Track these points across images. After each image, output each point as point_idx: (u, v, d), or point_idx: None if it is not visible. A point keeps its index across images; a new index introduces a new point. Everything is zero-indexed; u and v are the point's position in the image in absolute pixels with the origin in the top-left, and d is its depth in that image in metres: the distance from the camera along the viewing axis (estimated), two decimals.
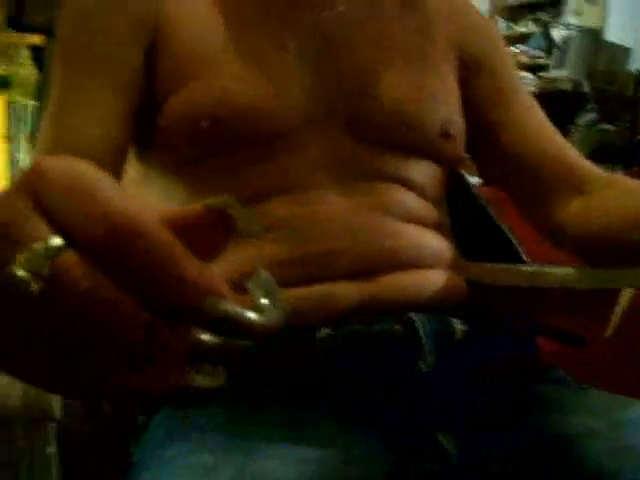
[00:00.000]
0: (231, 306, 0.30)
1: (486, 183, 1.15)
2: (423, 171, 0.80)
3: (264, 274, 0.34)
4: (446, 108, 0.81)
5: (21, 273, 0.29)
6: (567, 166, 0.86)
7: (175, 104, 0.75)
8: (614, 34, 4.48)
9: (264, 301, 0.32)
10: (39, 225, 0.30)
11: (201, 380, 0.32)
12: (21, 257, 0.30)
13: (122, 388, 0.30)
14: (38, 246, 0.30)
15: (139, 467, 0.66)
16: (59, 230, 0.30)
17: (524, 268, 0.91)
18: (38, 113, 2.05)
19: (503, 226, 1.11)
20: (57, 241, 0.30)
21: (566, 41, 4.44)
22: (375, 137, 0.77)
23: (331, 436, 0.63)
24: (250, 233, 0.36)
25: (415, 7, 0.85)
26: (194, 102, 0.74)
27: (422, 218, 0.79)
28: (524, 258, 1.07)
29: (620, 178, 0.89)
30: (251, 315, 0.31)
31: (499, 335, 0.75)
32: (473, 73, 0.86)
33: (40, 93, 1.80)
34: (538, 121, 0.88)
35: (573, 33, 4.40)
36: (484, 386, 0.69)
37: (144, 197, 0.82)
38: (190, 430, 0.64)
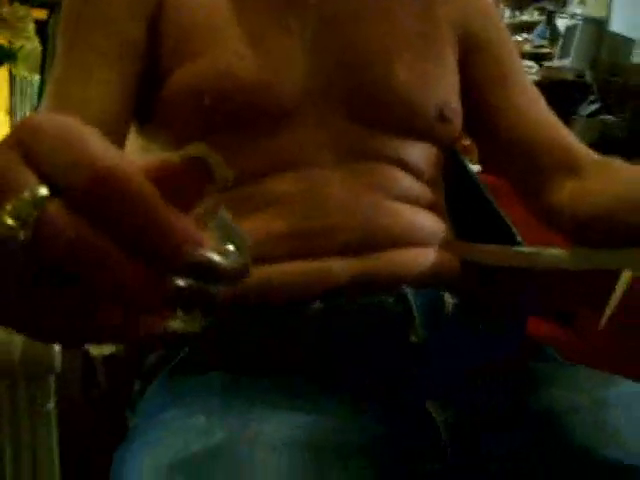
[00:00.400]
0: (207, 252, 0.31)
1: (485, 170, 1.16)
2: (419, 153, 0.81)
3: (225, 216, 0.35)
4: (444, 91, 0.82)
5: (9, 221, 0.30)
6: (563, 149, 0.87)
7: (178, 78, 0.76)
8: (618, 25, 4.47)
9: (230, 247, 0.33)
10: (27, 175, 0.31)
11: (179, 325, 0.33)
12: (9, 206, 0.30)
13: (111, 332, 0.31)
14: (25, 195, 0.31)
15: (135, 431, 0.68)
16: (46, 179, 0.31)
17: (518, 249, 0.93)
18: (41, 87, 2.05)
19: (499, 209, 1.12)
20: (43, 190, 0.31)
21: (570, 30, 4.43)
22: (372, 117, 0.78)
23: (325, 405, 0.65)
24: (223, 181, 0.36)
25: None
26: (198, 76, 0.75)
27: (417, 198, 0.80)
28: (519, 241, 1.08)
29: (615, 162, 0.90)
30: (217, 259, 0.32)
31: (488, 313, 0.76)
32: (472, 54, 0.87)
33: (43, 67, 1.79)
34: (535, 103, 0.89)
35: (577, 23, 4.39)
36: (472, 360, 0.71)
37: None
38: (186, 395, 0.66)
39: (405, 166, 0.79)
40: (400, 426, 0.65)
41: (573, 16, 4.48)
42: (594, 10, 4.48)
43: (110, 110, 0.76)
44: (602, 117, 4.24)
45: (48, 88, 0.78)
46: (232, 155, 0.76)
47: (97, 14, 0.78)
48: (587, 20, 4.39)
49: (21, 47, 1.81)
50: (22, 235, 0.30)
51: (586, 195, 0.82)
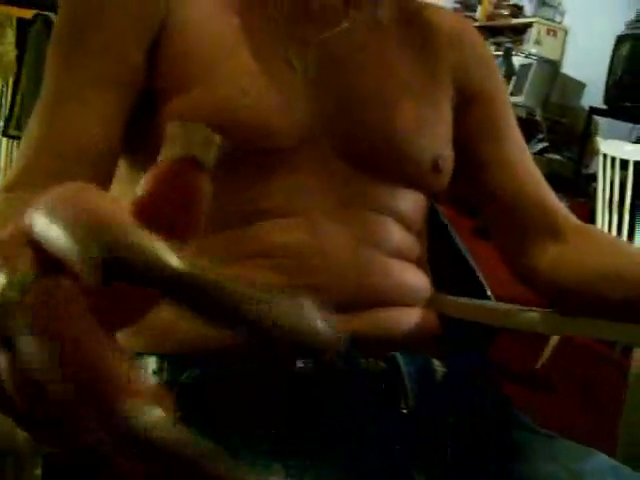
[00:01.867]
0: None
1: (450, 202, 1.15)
2: (411, 202, 0.80)
3: None
4: (439, 141, 0.81)
5: None
6: (547, 211, 0.87)
7: (174, 106, 0.73)
8: (570, 68, 4.60)
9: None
10: (21, 253, 0.29)
11: None
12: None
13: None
14: (12, 277, 0.28)
15: None
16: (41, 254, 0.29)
17: (500, 307, 0.93)
18: (3, 94, 1.96)
19: (470, 259, 1.13)
20: (27, 271, 0.29)
21: (524, 69, 4.54)
22: (368, 166, 0.77)
23: (312, 470, 0.63)
24: (216, 153, 0.34)
25: (418, 30, 0.85)
26: (195, 107, 0.72)
27: (407, 253, 0.79)
28: (489, 295, 1.08)
29: (592, 230, 0.91)
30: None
31: (472, 376, 0.75)
32: (468, 103, 0.87)
33: (19, 71, 1.73)
34: (526, 161, 0.89)
35: (532, 62, 4.49)
36: (459, 429, 0.70)
37: (130, 196, 0.79)
38: None
39: (397, 216, 0.78)
40: None
41: (528, 55, 4.59)
42: (549, 51, 4.60)
43: (102, 135, 0.72)
44: (549, 156, 4.36)
45: (38, 107, 0.74)
46: (223, 195, 0.73)
47: (97, 34, 0.75)
48: (541, 60, 4.51)
49: None
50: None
51: (566, 263, 0.83)
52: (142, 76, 0.74)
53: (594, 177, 4.01)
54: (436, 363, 0.71)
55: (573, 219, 0.88)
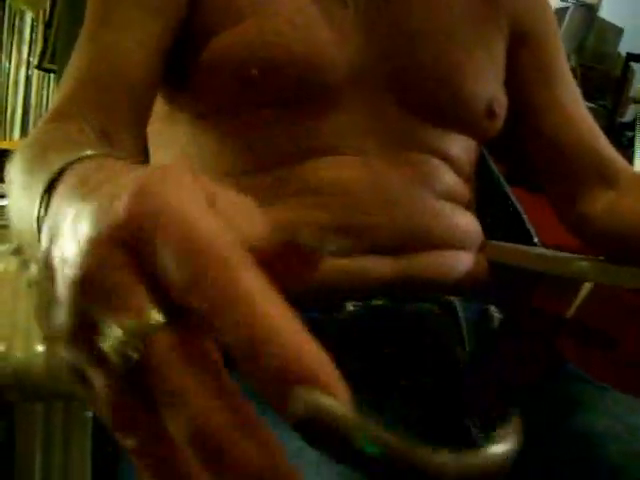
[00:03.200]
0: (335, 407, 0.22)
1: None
2: (461, 147, 0.78)
3: None
4: (494, 83, 0.78)
5: (109, 351, 0.24)
6: (602, 158, 0.84)
7: (221, 42, 0.70)
8: (609, 12, 4.46)
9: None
10: (137, 291, 0.25)
11: None
12: (110, 332, 0.24)
13: None
14: (130, 323, 0.24)
15: None
16: (160, 295, 0.25)
17: (547, 253, 0.90)
18: (37, 26, 1.93)
19: (518, 206, 1.10)
20: (156, 316, 0.24)
21: (560, 12, 4.40)
22: (420, 106, 0.74)
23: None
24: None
25: None
26: (244, 43, 0.69)
27: (457, 195, 0.77)
28: (536, 242, 1.06)
29: None
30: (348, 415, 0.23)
31: (526, 323, 0.73)
32: (520, 44, 0.83)
33: (52, 4, 1.68)
34: (578, 106, 0.86)
35: (569, 5, 4.36)
36: (511, 376, 0.68)
37: (171, 138, 0.77)
38: None
39: (448, 160, 0.75)
40: (438, 441, 0.62)
41: None
42: None
43: (145, 64, 0.70)
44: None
45: (82, 34, 0.72)
46: (272, 133, 0.71)
47: None
48: (578, 4, 4.37)
49: None
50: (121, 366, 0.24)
51: (621, 211, 0.80)
52: (186, 10, 0.71)
53: (628, 126, 3.92)
54: (492, 309, 0.69)
55: (628, 167, 0.85)
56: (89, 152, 0.41)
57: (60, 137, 0.60)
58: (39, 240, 0.36)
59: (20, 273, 0.43)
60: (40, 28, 1.86)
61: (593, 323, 0.86)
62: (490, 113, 0.77)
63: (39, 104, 2.08)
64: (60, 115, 0.66)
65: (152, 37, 0.70)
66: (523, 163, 0.89)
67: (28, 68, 2.02)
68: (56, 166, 0.39)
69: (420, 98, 0.74)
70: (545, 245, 1.08)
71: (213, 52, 0.70)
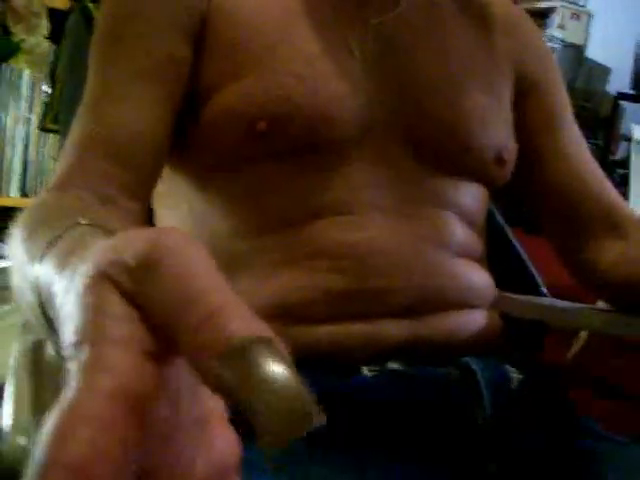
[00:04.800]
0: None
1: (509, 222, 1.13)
2: (473, 195, 0.78)
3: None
4: (503, 133, 0.78)
5: None
6: (607, 206, 0.84)
7: (225, 99, 0.69)
8: (596, 52, 4.52)
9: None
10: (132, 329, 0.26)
11: None
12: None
13: None
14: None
15: None
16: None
17: (563, 306, 0.89)
18: (35, 84, 1.94)
19: (524, 256, 1.09)
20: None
21: None
22: (430, 156, 0.74)
23: (380, 477, 0.60)
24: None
25: (474, 15, 0.82)
26: (248, 98, 0.69)
27: (471, 250, 0.76)
28: (544, 292, 1.05)
29: None
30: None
31: (544, 381, 0.72)
32: (525, 94, 0.84)
33: (54, 65, 1.70)
34: (583, 153, 0.86)
35: (556, 47, 4.42)
36: (533, 439, 0.67)
37: (176, 199, 0.77)
38: None
39: (460, 212, 0.75)
40: None
41: (552, 40, 4.51)
42: (573, 35, 4.52)
43: (148, 132, 0.70)
44: None
45: (83, 103, 0.71)
46: (282, 190, 0.71)
47: (138, 29, 0.72)
48: (565, 45, 4.43)
49: (22, 39, 1.70)
50: None
51: (629, 261, 0.80)
52: (188, 70, 0.71)
53: (620, 164, 3.95)
54: (511, 370, 0.68)
55: (635, 215, 0.85)
56: (82, 221, 0.41)
57: (59, 207, 0.60)
58: (41, 313, 0.37)
59: (38, 358, 0.42)
60: (39, 86, 1.88)
61: (596, 370, 0.85)
62: (499, 161, 0.77)
63: (37, 161, 2.09)
64: (63, 184, 0.66)
65: (153, 104, 0.70)
66: (522, 205, 0.89)
67: (27, 126, 2.03)
68: (49, 237, 0.40)
69: (431, 148, 0.74)
70: (547, 288, 1.08)
71: (218, 108, 0.69)
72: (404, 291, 0.68)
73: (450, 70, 0.77)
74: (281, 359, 0.25)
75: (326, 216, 0.69)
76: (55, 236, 0.40)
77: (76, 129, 0.70)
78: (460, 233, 0.75)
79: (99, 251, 0.28)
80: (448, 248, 0.72)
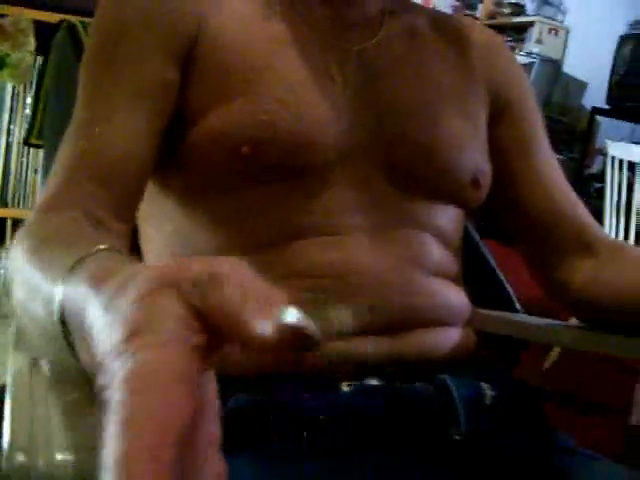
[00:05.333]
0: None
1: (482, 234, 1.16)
2: (450, 218, 0.80)
3: None
4: (478, 156, 0.80)
5: None
6: (579, 227, 0.86)
7: (211, 122, 0.71)
8: (572, 67, 4.59)
9: None
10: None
11: None
12: None
13: None
14: None
15: None
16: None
17: (534, 322, 0.92)
18: (19, 96, 1.95)
19: (498, 271, 1.12)
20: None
21: (526, 68, 4.52)
22: (407, 180, 0.76)
23: None
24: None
25: (452, 40, 0.85)
26: (234, 122, 0.70)
27: (447, 271, 0.78)
28: (518, 308, 1.08)
29: (627, 247, 0.90)
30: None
31: (517, 397, 0.75)
32: (500, 117, 0.86)
33: (39, 79, 1.70)
34: (556, 176, 0.88)
35: (534, 61, 4.49)
36: (507, 453, 0.69)
37: (161, 220, 0.78)
38: None
39: (437, 233, 0.77)
40: None
41: (530, 54, 4.58)
42: (550, 50, 4.59)
43: (136, 154, 0.71)
44: None
45: (72, 124, 0.73)
46: (263, 212, 0.72)
47: (127, 51, 0.73)
48: (543, 60, 4.50)
49: (7, 54, 1.71)
50: None
51: (601, 280, 0.82)
52: (176, 93, 0.73)
53: (596, 178, 4.01)
54: (485, 386, 0.70)
55: (606, 235, 0.88)
56: (101, 246, 0.45)
57: (56, 229, 0.62)
58: (61, 330, 0.41)
59: (35, 376, 0.44)
60: (21, 97, 1.90)
61: (568, 387, 0.88)
62: (475, 183, 0.79)
63: (19, 172, 2.09)
64: (54, 205, 0.67)
65: (141, 126, 0.71)
66: (495, 224, 0.91)
67: (8, 136, 2.04)
68: (68, 261, 0.43)
69: (408, 172, 0.76)
70: (519, 299, 1.10)
71: (204, 131, 0.71)
72: (381, 310, 0.70)
73: (427, 96, 0.79)
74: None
75: (307, 237, 0.71)
76: (77, 260, 0.43)
77: (65, 149, 0.72)
78: (436, 253, 0.77)
79: (163, 266, 0.34)
80: (425, 268, 0.74)
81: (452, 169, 0.77)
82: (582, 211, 0.88)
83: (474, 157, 0.79)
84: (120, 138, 0.71)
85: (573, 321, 0.91)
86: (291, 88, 0.73)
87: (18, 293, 0.54)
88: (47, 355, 0.47)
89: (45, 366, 0.45)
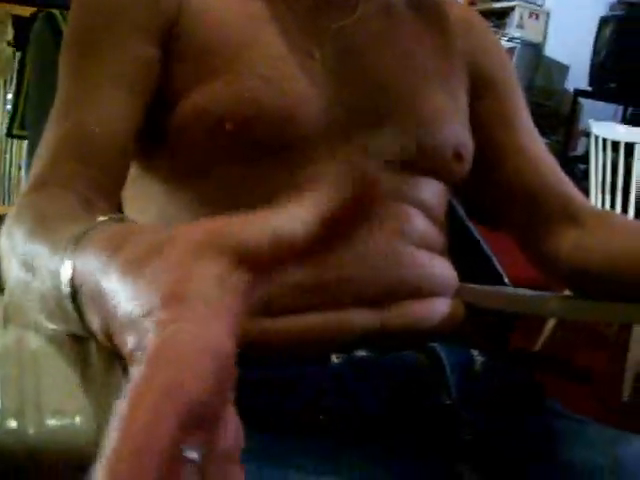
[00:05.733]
0: None
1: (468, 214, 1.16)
2: (434, 192, 0.80)
3: None
4: (460, 130, 0.81)
5: None
6: (565, 197, 0.86)
7: (195, 101, 0.71)
8: (554, 50, 4.60)
9: None
10: None
11: None
12: None
13: None
14: None
15: None
16: None
17: (519, 293, 0.92)
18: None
19: (486, 246, 1.12)
20: None
21: (509, 53, 4.53)
22: (391, 155, 0.76)
23: (351, 467, 0.62)
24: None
25: (431, 18, 0.85)
26: (218, 100, 0.71)
27: (433, 243, 0.78)
28: (507, 282, 1.08)
29: (612, 215, 0.91)
30: None
31: (507, 363, 0.75)
32: (481, 93, 0.86)
33: (19, 72, 1.70)
34: (539, 148, 0.88)
35: (515, 46, 4.50)
36: (497, 417, 0.70)
37: (146, 202, 0.78)
38: None
39: (422, 207, 0.77)
40: None
41: (511, 39, 4.59)
42: (531, 34, 4.61)
43: (120, 134, 0.71)
44: None
45: (54, 109, 0.73)
46: (248, 189, 0.72)
47: (108, 32, 0.73)
48: (524, 44, 4.52)
49: None
50: None
51: (588, 248, 0.83)
52: (157, 72, 0.73)
53: (580, 159, 4.03)
54: (475, 353, 0.70)
55: (592, 206, 0.88)
56: (102, 218, 0.46)
57: (51, 207, 0.62)
58: (72, 302, 0.42)
59: (23, 350, 0.44)
60: (2, 94, 1.88)
61: (563, 354, 0.89)
62: (458, 157, 0.79)
63: (2, 168, 2.08)
64: (42, 185, 0.67)
65: (124, 106, 0.71)
66: (482, 202, 0.92)
67: None
68: (71, 233, 0.44)
69: (391, 147, 0.76)
70: (511, 280, 1.11)
71: (187, 110, 0.71)
72: (369, 281, 0.70)
73: (407, 72, 0.79)
74: None
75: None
76: (81, 232, 0.44)
77: (49, 132, 0.71)
78: (422, 226, 0.77)
79: (200, 225, 0.36)
80: (411, 241, 0.74)
81: (435, 143, 0.77)
82: (567, 183, 0.88)
83: (456, 131, 0.80)
84: (103, 118, 0.71)
85: (566, 293, 0.91)
86: (273, 65, 0.73)
87: (15, 272, 0.54)
88: (47, 330, 0.48)
89: (32, 341, 0.45)
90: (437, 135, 0.77)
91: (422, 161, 0.77)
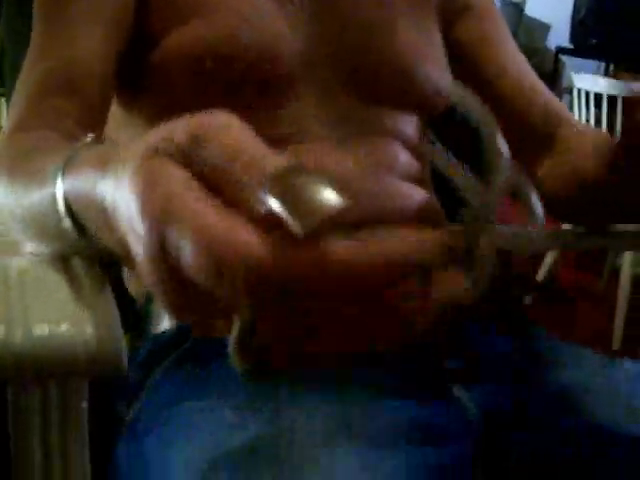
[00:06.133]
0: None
1: None
2: (414, 126, 0.80)
3: None
4: (438, 65, 0.81)
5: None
6: (546, 113, 0.84)
7: (174, 41, 0.71)
8: (534, 9, 4.59)
9: None
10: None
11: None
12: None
13: None
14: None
15: (139, 426, 0.63)
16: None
17: (513, 230, 0.92)
18: None
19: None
20: None
21: None
22: (371, 91, 0.76)
23: (352, 393, 0.63)
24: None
25: None
26: (197, 39, 0.70)
27: (416, 176, 0.78)
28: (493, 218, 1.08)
29: (587, 134, 0.86)
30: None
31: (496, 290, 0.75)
32: (458, 18, 0.86)
33: None
34: (523, 66, 0.87)
35: (497, 5, 4.47)
36: (488, 338, 0.70)
37: (124, 136, 0.78)
38: (202, 387, 0.62)
39: (403, 141, 0.77)
40: (430, 410, 0.63)
41: None
42: None
43: (98, 68, 0.71)
44: None
45: (30, 53, 0.72)
46: None
47: None
48: (505, 3, 4.49)
49: None
50: None
51: (553, 175, 0.82)
52: (134, 12, 0.72)
53: None
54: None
55: (571, 122, 0.85)
56: (88, 140, 0.47)
57: (34, 144, 0.62)
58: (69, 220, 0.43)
59: (7, 268, 0.44)
60: None
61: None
62: (436, 90, 0.79)
63: None
64: (23, 126, 0.66)
65: (103, 45, 0.70)
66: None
67: None
68: (58, 159, 0.45)
69: (370, 84, 0.76)
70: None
71: (166, 50, 0.71)
72: (352, 215, 0.70)
73: (382, 10, 0.80)
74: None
75: (275, 148, 0.71)
76: (68, 156, 0.44)
77: (26, 75, 0.71)
78: (405, 159, 0.77)
79: (150, 135, 0.34)
80: (394, 172, 0.75)
81: (416, 77, 0.77)
82: (550, 97, 0.86)
83: (434, 66, 0.80)
84: (82, 54, 0.71)
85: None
86: (251, 4, 0.73)
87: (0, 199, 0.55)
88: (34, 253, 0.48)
89: (19, 264, 0.45)
90: (417, 70, 0.77)
91: (403, 96, 0.78)
